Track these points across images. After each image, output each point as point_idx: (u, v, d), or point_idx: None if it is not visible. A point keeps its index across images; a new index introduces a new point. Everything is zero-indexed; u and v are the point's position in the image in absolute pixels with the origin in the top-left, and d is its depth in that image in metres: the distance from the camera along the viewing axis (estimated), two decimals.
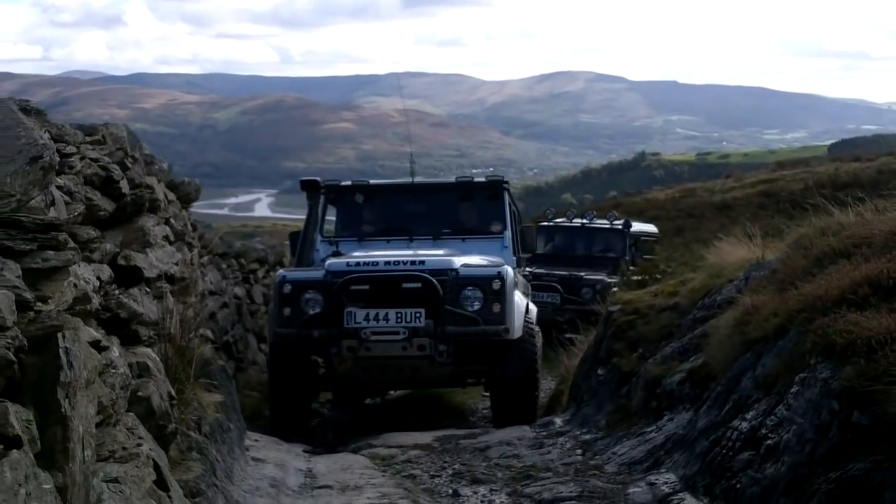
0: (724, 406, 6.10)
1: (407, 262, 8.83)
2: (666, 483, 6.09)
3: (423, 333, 8.47)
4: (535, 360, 9.29)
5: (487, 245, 10.30)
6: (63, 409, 2.77)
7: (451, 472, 6.95)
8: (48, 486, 2.62)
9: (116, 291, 4.77)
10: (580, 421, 8.63)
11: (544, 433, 8.48)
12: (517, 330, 8.91)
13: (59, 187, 4.00)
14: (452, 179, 11.43)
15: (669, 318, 8.66)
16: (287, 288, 8.68)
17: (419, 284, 8.58)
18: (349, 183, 10.94)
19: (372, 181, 11.20)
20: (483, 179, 11.16)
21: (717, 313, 7.38)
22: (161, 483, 3.76)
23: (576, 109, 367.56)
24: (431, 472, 6.93)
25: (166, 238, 6.22)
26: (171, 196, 7.16)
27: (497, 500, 6.24)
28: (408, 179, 11.20)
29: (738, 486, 5.36)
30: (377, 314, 8.48)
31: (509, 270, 8.87)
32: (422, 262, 8.81)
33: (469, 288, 8.64)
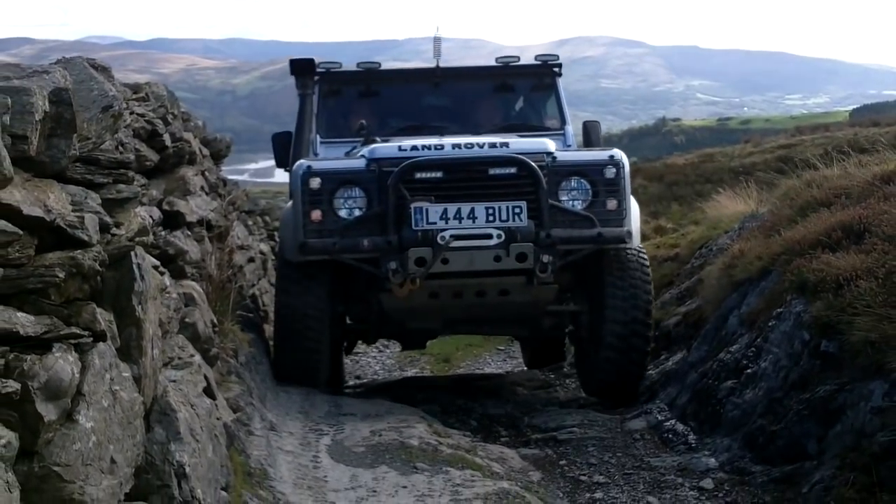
0: (712, 342, 6.68)
1: (485, 144, 6.62)
2: (659, 412, 6.68)
3: (523, 237, 6.27)
4: (648, 298, 6.93)
5: None
6: (137, 314, 3.35)
7: (463, 405, 7.56)
8: (127, 375, 3.21)
9: (163, 232, 5.37)
10: None
11: (552, 375, 9.07)
12: (637, 235, 6.82)
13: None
14: (491, 64, 8.57)
15: (670, 268, 9.23)
16: (315, 182, 6.38)
17: (513, 169, 6.40)
18: (355, 68, 8.37)
19: (383, 67, 8.51)
20: (532, 62, 8.45)
21: (712, 261, 7.94)
22: (209, 392, 4.36)
23: (596, 74, 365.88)
24: (447, 407, 7.53)
25: (202, 188, 6.81)
26: (205, 151, 7.73)
27: (503, 431, 6.84)
28: (430, 65, 8.51)
29: (721, 410, 5.94)
30: (459, 210, 6.25)
31: (624, 155, 6.71)
32: (505, 145, 6.62)
33: (573, 178, 6.57)
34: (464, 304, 6.77)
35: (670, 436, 6.20)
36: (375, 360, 12.58)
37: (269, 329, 13.34)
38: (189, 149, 6.45)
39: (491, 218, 6.27)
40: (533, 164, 6.37)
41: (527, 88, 8.64)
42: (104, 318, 3.14)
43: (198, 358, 4.34)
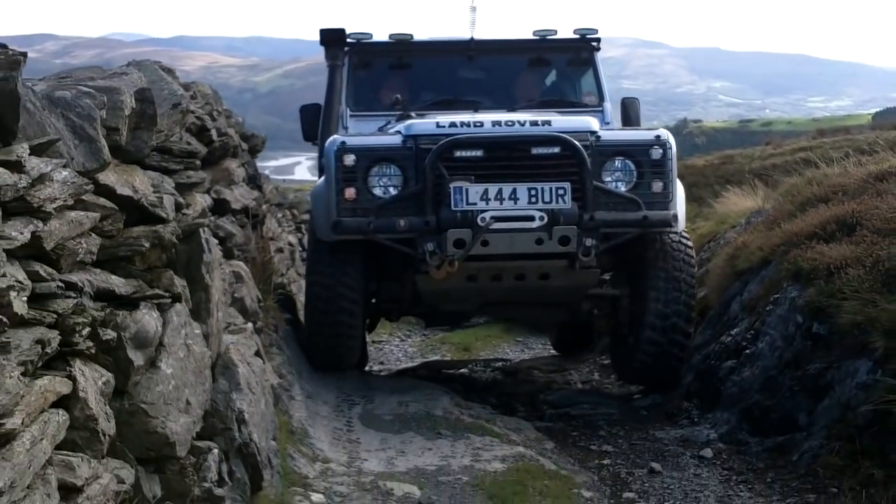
0: (715, 327, 7.17)
1: (526, 122, 6.35)
2: (665, 391, 7.17)
3: (567, 220, 6.01)
4: (692, 283, 6.74)
5: None
6: (206, 281, 3.88)
7: (483, 385, 8.08)
8: (198, 332, 3.74)
9: (212, 217, 5.91)
10: (600, 350, 9.71)
11: (570, 359, 9.57)
12: (682, 219, 6.56)
13: None
14: (527, 38, 8.17)
15: None
16: (349, 159, 6.10)
17: (557, 149, 6.11)
18: (386, 39, 7.99)
19: (416, 39, 8.08)
20: (570, 36, 8.10)
21: (719, 253, 8.43)
22: (258, 356, 4.89)
23: (618, 75, 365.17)
24: (469, 386, 8.05)
25: (243, 179, 7.35)
26: (244, 145, 8.27)
27: (520, 407, 7.35)
28: (465, 37, 8.21)
29: (722, 388, 6.43)
30: (500, 191, 5.98)
31: (670, 136, 6.44)
32: (547, 123, 6.33)
33: (618, 158, 6.29)
34: (502, 287, 6.54)
35: (675, 411, 6.69)
36: (398, 348, 13.06)
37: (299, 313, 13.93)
38: (232, 143, 6.98)
39: (533, 199, 6.01)
40: (577, 143, 6.07)
41: (563, 63, 8.26)
42: (179, 283, 3.68)
43: (250, 326, 4.89)
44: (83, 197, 3.08)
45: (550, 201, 6.01)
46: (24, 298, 2.59)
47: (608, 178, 6.27)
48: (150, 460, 3.33)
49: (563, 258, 6.19)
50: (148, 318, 3.34)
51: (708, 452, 5.83)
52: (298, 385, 5.91)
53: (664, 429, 6.39)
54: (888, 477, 4.83)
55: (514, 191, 5.99)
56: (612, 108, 7.92)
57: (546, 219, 5.96)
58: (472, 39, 8.08)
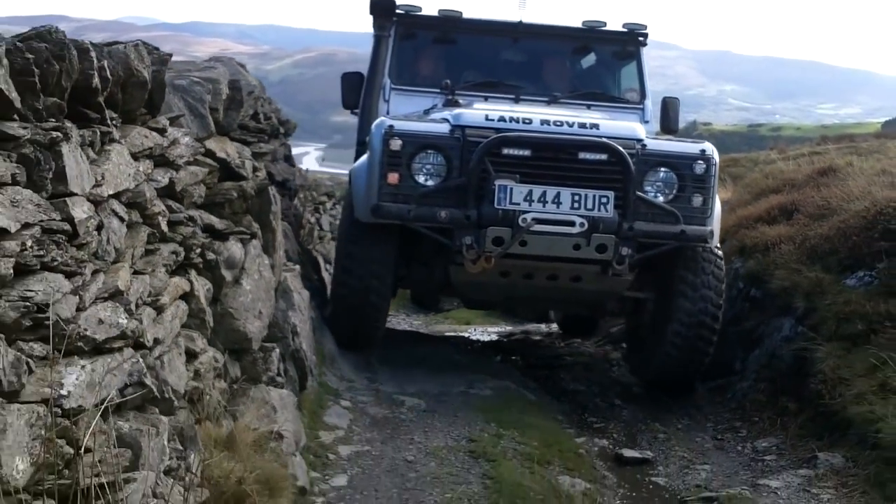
0: None
1: (574, 123, 6.28)
2: None
3: (606, 229, 6.03)
4: (720, 298, 6.60)
5: (622, 116, 7.49)
6: (273, 225, 5.17)
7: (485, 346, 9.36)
8: (267, 263, 5.02)
9: None
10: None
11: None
12: (717, 234, 6.56)
13: None
14: (576, 25, 8.09)
15: None
16: (395, 144, 6.07)
17: (604, 156, 6.09)
18: (436, 14, 7.90)
19: (465, 16, 7.95)
20: (618, 28, 8.06)
21: None
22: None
23: None
24: (473, 345, 9.32)
25: (282, 157, 8.62)
26: (281, 129, 9.54)
27: (517, 359, 8.60)
28: (514, 19, 8.06)
29: None
30: (544, 194, 5.97)
31: (714, 150, 6.39)
32: (595, 126, 6.28)
33: (662, 169, 6.27)
34: (533, 285, 6.61)
35: None
36: (405, 321, 14.34)
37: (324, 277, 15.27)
38: (274, 125, 8.25)
39: (576, 205, 5.99)
40: (625, 153, 6.05)
41: (608, 55, 8.21)
42: (255, 225, 4.95)
43: (297, 267, 6.19)
44: (197, 157, 4.35)
45: (593, 208, 6.00)
46: (165, 222, 3.86)
47: (649, 188, 6.26)
48: (233, 351, 4.60)
49: (597, 264, 6.25)
50: (235, 248, 4.62)
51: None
52: (327, 326, 7.20)
53: (629, 377, 7.64)
54: (799, 409, 6.09)
55: (558, 195, 5.98)
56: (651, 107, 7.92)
57: (586, 225, 5.96)
58: (520, 22, 7.94)
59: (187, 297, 4.09)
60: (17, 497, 2.28)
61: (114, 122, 3.40)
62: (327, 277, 11.85)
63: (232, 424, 4.00)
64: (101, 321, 2.97)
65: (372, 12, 7.70)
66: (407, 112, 7.04)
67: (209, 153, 4.54)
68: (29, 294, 2.54)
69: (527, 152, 6.05)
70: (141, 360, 3.20)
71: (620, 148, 6.04)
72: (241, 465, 3.49)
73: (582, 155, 6.09)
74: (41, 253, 2.63)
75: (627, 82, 8.12)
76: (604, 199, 6.02)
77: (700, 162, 6.24)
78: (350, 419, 5.59)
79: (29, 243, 2.59)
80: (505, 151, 6.02)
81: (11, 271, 2.48)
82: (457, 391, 6.52)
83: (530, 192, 5.97)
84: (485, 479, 4.82)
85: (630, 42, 8.03)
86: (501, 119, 6.21)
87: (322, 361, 6.23)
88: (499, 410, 6.11)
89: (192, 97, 4.46)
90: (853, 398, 5.40)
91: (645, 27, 8.00)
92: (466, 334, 10.53)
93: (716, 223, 6.39)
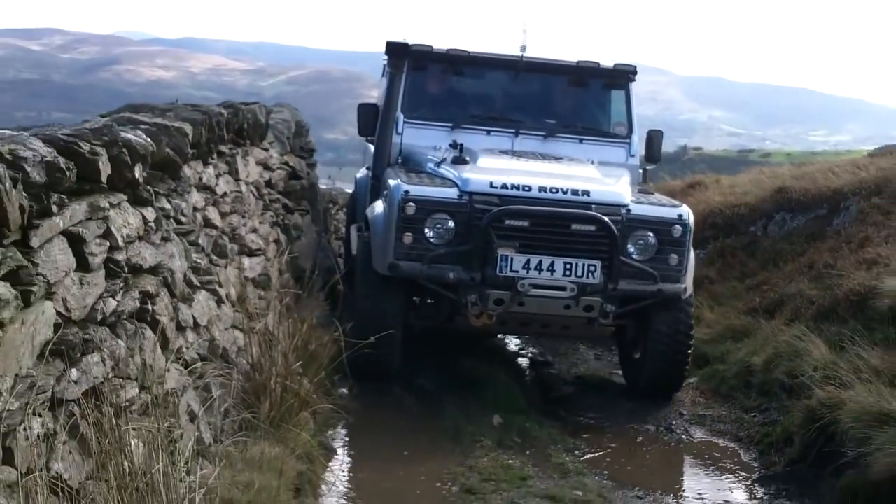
0: None
1: (568, 190, 6.88)
2: None
3: (593, 291, 6.72)
4: (689, 326, 7.34)
5: (610, 151, 8.40)
6: (318, 206, 8.51)
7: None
8: (314, 229, 8.32)
9: None
10: None
11: None
12: (690, 287, 7.24)
13: None
14: (572, 61, 8.80)
15: None
16: (410, 209, 6.73)
17: (593, 228, 6.77)
18: (444, 50, 8.56)
19: (471, 51, 8.64)
20: (610, 66, 8.79)
21: None
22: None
23: None
24: None
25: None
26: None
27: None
28: (515, 54, 8.65)
29: None
30: (540, 263, 6.69)
31: (691, 214, 7.11)
32: (587, 193, 6.90)
33: (643, 232, 6.92)
34: (530, 329, 7.73)
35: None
36: None
37: None
38: (312, 147, 11.66)
39: (567, 273, 6.64)
40: (612, 226, 6.65)
41: (600, 91, 8.92)
42: (307, 206, 8.34)
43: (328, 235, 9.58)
44: (280, 165, 7.72)
45: (582, 276, 6.64)
46: (267, 198, 7.20)
47: (632, 248, 6.86)
48: (298, 280, 7.89)
49: (583, 319, 6.92)
50: (298, 218, 7.97)
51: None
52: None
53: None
54: None
55: (552, 263, 6.64)
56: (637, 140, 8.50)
57: (576, 290, 6.61)
58: (521, 58, 8.57)
59: (276, 241, 7.42)
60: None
61: (249, 144, 6.76)
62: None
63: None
64: (252, 241, 6.32)
65: (387, 52, 8.40)
66: (417, 144, 8.07)
67: (285, 163, 7.91)
68: (233, 224, 5.89)
69: (525, 223, 6.71)
70: (266, 262, 6.54)
71: (608, 221, 6.67)
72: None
73: (574, 226, 6.72)
74: (236, 204, 5.99)
75: (617, 116, 8.81)
76: (591, 268, 6.68)
77: (678, 226, 6.92)
78: None
79: (229, 199, 5.94)
80: (507, 223, 6.67)
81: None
82: None
83: (528, 261, 6.65)
84: None
85: (619, 79, 8.75)
86: (504, 186, 6.80)
87: None
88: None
89: (278, 131, 7.84)
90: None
91: (634, 67, 8.81)
92: None
93: (689, 277, 7.11)
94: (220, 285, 5.29)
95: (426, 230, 6.70)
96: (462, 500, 5.15)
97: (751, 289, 8.63)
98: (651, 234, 6.85)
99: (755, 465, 6.10)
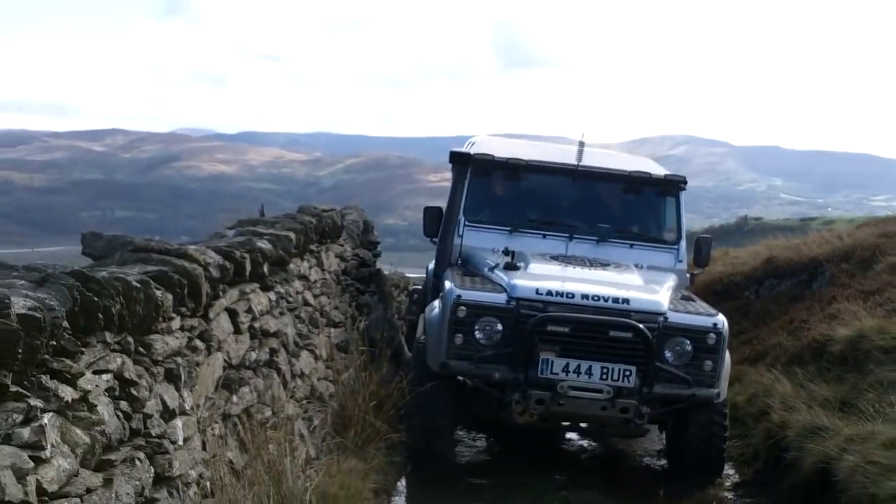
0: None
1: (609, 298, 7.29)
2: None
3: (628, 394, 7.09)
4: (724, 420, 7.68)
5: (659, 256, 8.90)
6: (384, 287, 10.46)
7: None
8: (381, 305, 10.27)
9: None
10: None
11: None
12: (724, 392, 7.54)
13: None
14: (625, 170, 9.35)
15: None
16: (462, 312, 7.20)
17: (630, 335, 7.13)
18: (504, 157, 9.16)
19: (529, 159, 9.25)
20: (661, 175, 9.33)
21: None
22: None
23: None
24: None
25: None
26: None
27: None
28: (572, 162, 9.16)
29: None
30: (578, 366, 7.06)
31: (725, 322, 7.43)
32: (626, 301, 7.28)
33: (679, 339, 7.27)
34: (570, 427, 8.20)
35: None
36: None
37: None
38: (376, 240, 13.70)
39: (604, 376, 7.00)
40: (648, 333, 6.99)
41: (652, 198, 9.35)
42: (374, 288, 10.31)
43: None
44: (352, 257, 9.73)
45: (618, 380, 7.02)
46: (344, 284, 9.17)
47: (668, 354, 7.22)
48: (370, 345, 9.78)
49: (619, 419, 7.24)
50: (367, 298, 9.91)
51: None
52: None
53: None
54: None
55: (590, 367, 7.01)
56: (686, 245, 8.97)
57: (612, 393, 7.00)
58: (578, 166, 9.09)
59: (352, 317, 9.36)
60: None
61: (330, 242, 8.75)
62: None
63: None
64: (335, 315, 8.27)
65: (451, 160, 8.96)
66: (477, 245, 8.62)
67: (356, 255, 9.90)
68: (321, 303, 7.85)
69: (566, 328, 7.08)
70: (345, 332, 8.46)
71: (644, 329, 7.02)
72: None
73: (612, 333, 7.07)
74: (324, 288, 7.96)
75: (667, 223, 9.25)
76: (627, 372, 7.05)
77: (712, 334, 7.25)
78: None
79: (319, 284, 7.91)
80: (549, 327, 7.07)
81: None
82: None
83: (567, 364, 7.03)
84: None
85: (670, 188, 9.24)
86: (549, 293, 7.23)
87: None
88: None
89: (349, 230, 9.86)
90: None
91: (684, 178, 9.34)
92: None
93: (724, 383, 7.43)
94: (316, 347, 7.26)
95: (476, 332, 7.17)
96: None
97: (744, 343, 10.28)
98: (687, 342, 7.23)
99: (731, 473, 7.85)
